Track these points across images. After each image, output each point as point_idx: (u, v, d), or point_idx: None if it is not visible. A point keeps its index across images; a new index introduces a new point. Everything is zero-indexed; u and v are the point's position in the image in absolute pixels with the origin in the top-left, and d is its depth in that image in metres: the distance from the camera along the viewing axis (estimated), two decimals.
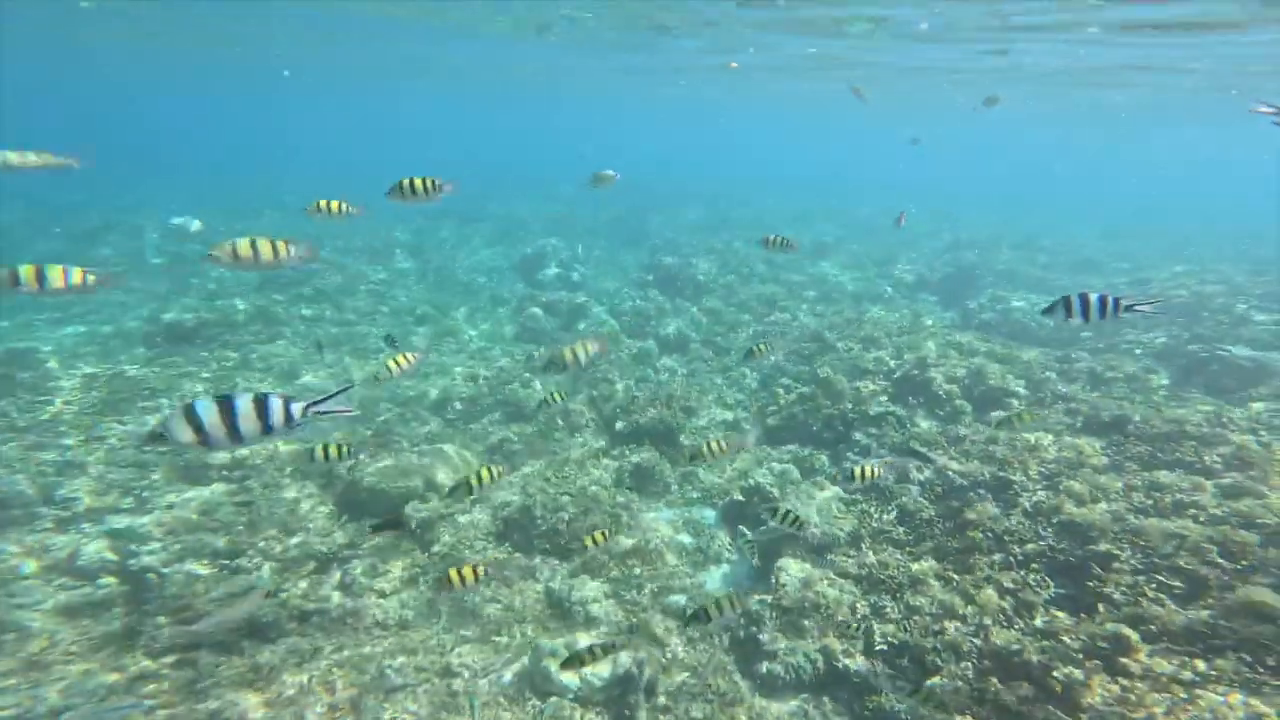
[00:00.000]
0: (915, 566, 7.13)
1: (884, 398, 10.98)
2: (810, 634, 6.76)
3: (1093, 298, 3.79)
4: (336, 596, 7.43)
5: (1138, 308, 3.81)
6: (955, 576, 6.83)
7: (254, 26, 25.60)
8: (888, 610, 6.84)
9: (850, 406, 10.94)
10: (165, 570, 7.36)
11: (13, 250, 18.13)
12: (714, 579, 8.33)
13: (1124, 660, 5.00)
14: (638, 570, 8.04)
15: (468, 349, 15.31)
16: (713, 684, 6.41)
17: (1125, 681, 4.81)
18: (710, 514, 9.65)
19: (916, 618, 6.61)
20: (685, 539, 8.99)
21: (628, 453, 10.48)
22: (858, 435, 10.44)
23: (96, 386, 11.21)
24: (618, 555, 8.20)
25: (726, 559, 8.71)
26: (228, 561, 7.62)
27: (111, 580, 7.37)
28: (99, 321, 14.72)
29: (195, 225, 12.53)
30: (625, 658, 6.19)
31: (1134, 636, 5.17)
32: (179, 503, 8.47)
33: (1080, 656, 5.16)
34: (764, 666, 6.56)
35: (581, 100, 52.41)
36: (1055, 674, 5.09)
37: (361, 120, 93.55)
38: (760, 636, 6.82)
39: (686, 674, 6.58)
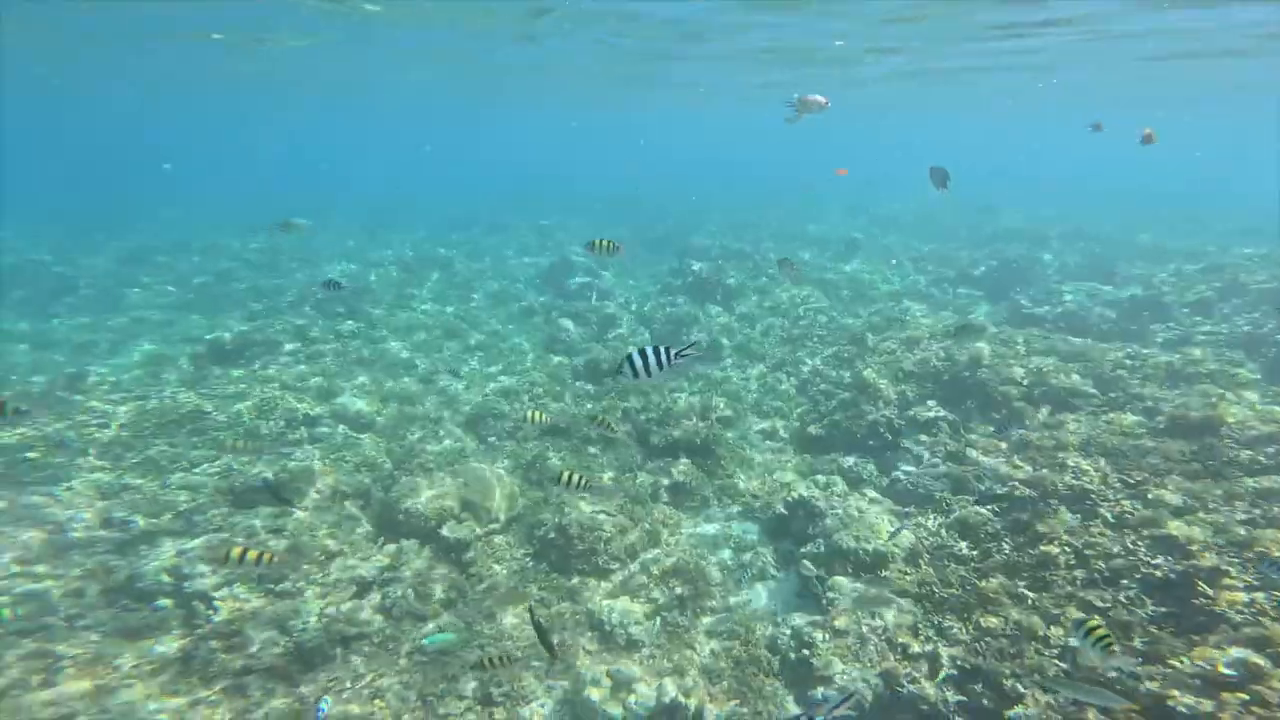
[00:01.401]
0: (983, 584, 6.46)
1: (932, 401, 10.30)
2: (867, 657, 6.13)
3: (648, 351, 4.31)
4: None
5: (683, 353, 4.34)
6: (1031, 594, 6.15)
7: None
8: (954, 631, 6.19)
9: (897, 413, 10.28)
10: None
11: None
12: (759, 597, 7.74)
13: (1257, 688, 4.30)
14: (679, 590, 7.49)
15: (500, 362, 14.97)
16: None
17: (1263, 711, 4.11)
18: (753, 528, 9.07)
19: (989, 639, 5.95)
20: (726, 555, 8.43)
21: (663, 466, 9.97)
22: (906, 443, 9.79)
23: None
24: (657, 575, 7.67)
25: (771, 575, 8.12)
26: None
27: None
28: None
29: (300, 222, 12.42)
30: (670, 685, 5.66)
31: (1262, 662, 4.46)
32: None
33: (1198, 684, 4.47)
34: (819, 692, 5.97)
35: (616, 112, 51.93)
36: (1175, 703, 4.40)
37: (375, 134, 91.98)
38: (813, 661, 6.23)
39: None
